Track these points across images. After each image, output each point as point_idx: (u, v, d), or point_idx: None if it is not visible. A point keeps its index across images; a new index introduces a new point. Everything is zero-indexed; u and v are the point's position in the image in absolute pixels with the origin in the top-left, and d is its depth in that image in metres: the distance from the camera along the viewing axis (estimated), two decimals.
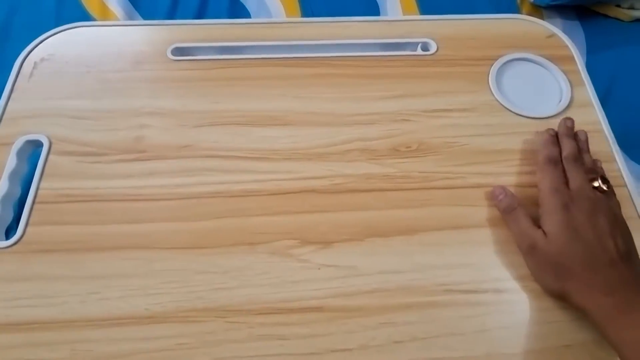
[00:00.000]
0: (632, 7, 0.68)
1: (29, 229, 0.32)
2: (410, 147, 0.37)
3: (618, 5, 0.70)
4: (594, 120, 0.38)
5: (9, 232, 0.34)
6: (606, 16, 0.72)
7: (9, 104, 0.38)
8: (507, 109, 0.38)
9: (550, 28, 0.44)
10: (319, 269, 0.31)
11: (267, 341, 0.29)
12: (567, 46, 0.42)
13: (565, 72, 0.41)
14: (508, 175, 0.35)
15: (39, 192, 0.34)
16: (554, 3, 0.53)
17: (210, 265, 0.31)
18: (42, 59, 0.41)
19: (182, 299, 0.30)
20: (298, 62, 0.41)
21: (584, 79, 0.40)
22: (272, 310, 0.30)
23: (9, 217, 0.34)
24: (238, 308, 0.30)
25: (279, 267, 0.31)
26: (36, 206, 0.33)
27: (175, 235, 0.32)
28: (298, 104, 0.39)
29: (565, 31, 0.45)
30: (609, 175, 0.34)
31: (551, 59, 0.42)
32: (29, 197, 0.33)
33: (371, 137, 0.37)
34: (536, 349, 0.29)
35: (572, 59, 0.42)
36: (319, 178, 0.35)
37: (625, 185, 0.35)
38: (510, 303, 0.30)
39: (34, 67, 0.40)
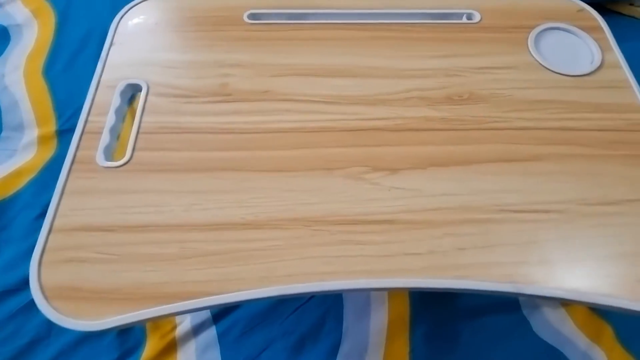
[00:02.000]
0: None
1: (135, 153, 0.37)
2: (462, 96, 0.42)
3: (631, 4, 0.76)
4: (623, 79, 0.43)
5: None
6: (621, 14, 0.78)
7: (110, 55, 0.44)
8: (545, 67, 0.44)
9: (579, 3, 0.49)
10: (389, 190, 0.36)
11: (347, 245, 0.33)
12: (595, 18, 0.48)
13: (595, 39, 0.46)
14: (547, 120, 0.40)
15: (142, 124, 0.39)
16: None
17: (294, 185, 0.36)
18: (135, 22, 0.46)
19: (272, 210, 0.35)
20: (357, 26, 0.46)
21: (612, 45, 0.45)
22: (350, 222, 0.34)
23: (115, 144, 0.39)
24: (321, 219, 0.34)
25: (353, 188, 0.36)
26: (140, 135, 0.38)
27: (261, 160, 0.37)
28: (360, 59, 0.44)
29: None
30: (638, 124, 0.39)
31: (582, 28, 0.47)
32: (133, 127, 0.39)
33: (427, 87, 0.42)
34: (579, 257, 0.33)
35: (600, 28, 0.47)
36: (383, 119, 0.40)
37: None
38: (556, 221, 0.35)
39: (130, 26, 0.46)
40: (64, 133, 0.69)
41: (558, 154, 0.38)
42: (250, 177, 0.36)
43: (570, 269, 0.33)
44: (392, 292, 0.55)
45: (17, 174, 0.65)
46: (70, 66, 0.76)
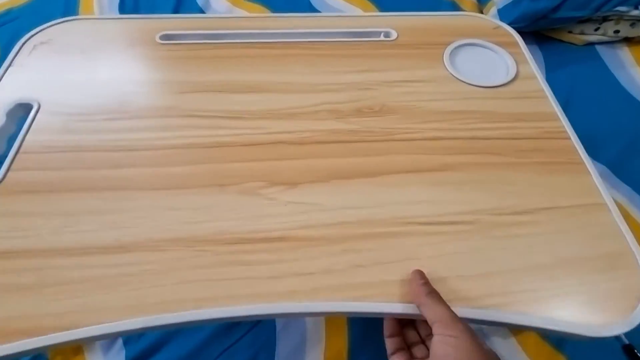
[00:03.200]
0: (582, 33, 0.76)
1: (10, 173, 0.34)
2: (372, 108, 0.40)
3: (570, 32, 0.79)
4: (538, 89, 0.42)
5: None
6: (561, 41, 0.81)
7: (6, 76, 0.41)
8: (460, 80, 0.43)
9: (496, 22, 0.50)
10: (286, 205, 0.33)
11: (233, 267, 0.30)
12: (511, 34, 0.48)
13: (511, 53, 0.46)
14: (459, 130, 0.39)
15: (24, 143, 0.36)
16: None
17: (181, 203, 0.33)
18: (42, 42, 0.45)
19: (151, 231, 0.31)
20: (270, 45, 0.46)
21: (528, 58, 0.45)
22: (238, 240, 0.31)
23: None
24: (205, 239, 0.31)
25: (247, 204, 0.33)
26: (19, 155, 0.35)
27: (147, 178, 0.34)
28: (273, 76, 0.43)
29: None
30: (555, 130, 0.38)
31: (498, 44, 0.47)
32: (13, 147, 0.36)
33: (338, 101, 0.40)
34: (491, 270, 0.30)
35: (516, 43, 0.47)
36: (289, 132, 0.38)
37: (570, 138, 0.38)
38: (466, 232, 0.32)
39: (34, 49, 0.44)
40: None
41: (469, 163, 0.36)
42: (132, 196, 0.33)
43: (482, 284, 0.29)
44: (327, 324, 0.51)
45: None
46: None
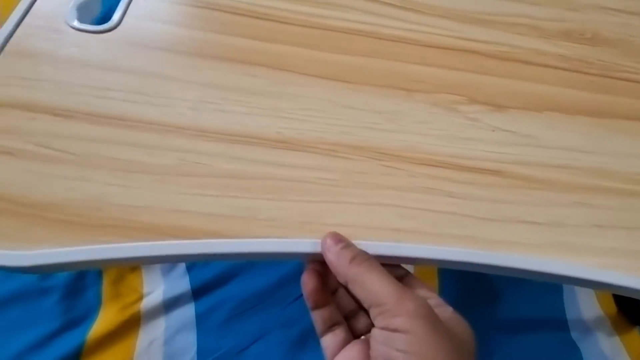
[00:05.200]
0: None
1: (126, 18, 0.25)
2: (583, 34, 0.31)
3: None
4: None
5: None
6: None
7: None
8: None
9: None
10: (494, 131, 0.25)
11: (434, 195, 0.22)
12: None
13: None
14: None
15: None
16: None
17: (358, 101, 0.24)
18: None
19: (324, 129, 0.23)
20: None
21: None
22: (438, 163, 0.23)
23: (96, 5, 0.26)
24: (395, 153, 0.23)
25: (443, 119, 0.25)
26: (137, 0, 0.26)
27: (311, 62, 0.25)
28: None
29: None
30: None
31: None
32: None
33: (540, 16, 0.31)
34: None
35: None
36: (483, 42, 0.29)
37: None
38: None
39: None
40: None
41: None
42: (295, 80, 0.24)
43: None
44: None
45: None
46: None
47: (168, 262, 0.34)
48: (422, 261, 0.20)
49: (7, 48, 0.22)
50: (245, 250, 0.19)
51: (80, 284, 0.40)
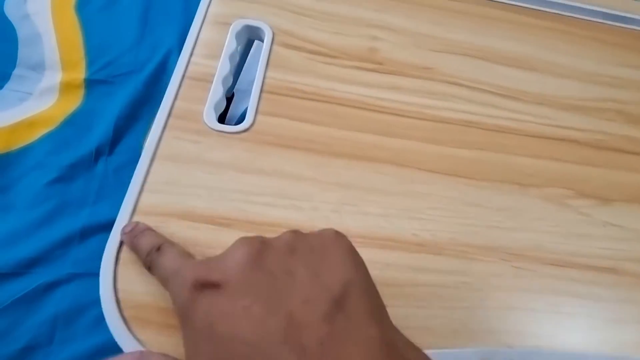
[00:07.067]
0: None
1: (259, 117, 0.26)
2: None
3: None
4: None
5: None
6: None
7: None
8: None
9: None
10: (604, 226, 0.26)
11: (562, 297, 0.23)
12: None
13: None
14: None
15: (266, 80, 0.28)
16: None
17: (481, 198, 0.26)
18: None
19: (454, 230, 0.24)
20: (536, 13, 0.37)
21: None
22: (562, 263, 0.24)
23: (224, 102, 0.28)
24: (521, 252, 0.24)
25: (557, 215, 0.26)
26: (264, 95, 0.27)
27: (433, 157, 0.27)
28: (536, 50, 0.34)
29: None
30: None
31: None
32: (255, 83, 0.27)
33: (626, 100, 0.33)
34: None
35: None
36: (579, 130, 0.31)
37: None
38: None
39: None
40: (94, 84, 0.56)
41: None
42: (420, 178, 0.26)
43: None
44: None
45: (30, 123, 0.51)
46: (110, 4, 0.63)
47: None
48: None
49: (158, 152, 0.23)
50: None
51: None
